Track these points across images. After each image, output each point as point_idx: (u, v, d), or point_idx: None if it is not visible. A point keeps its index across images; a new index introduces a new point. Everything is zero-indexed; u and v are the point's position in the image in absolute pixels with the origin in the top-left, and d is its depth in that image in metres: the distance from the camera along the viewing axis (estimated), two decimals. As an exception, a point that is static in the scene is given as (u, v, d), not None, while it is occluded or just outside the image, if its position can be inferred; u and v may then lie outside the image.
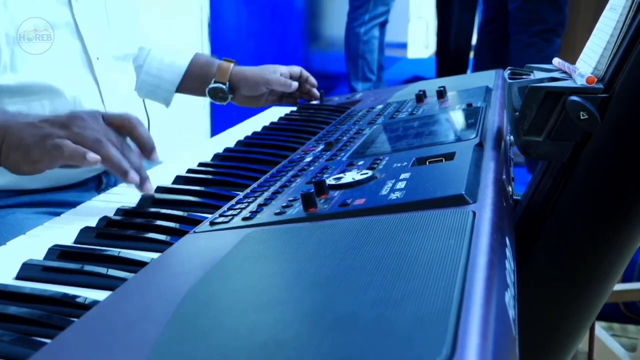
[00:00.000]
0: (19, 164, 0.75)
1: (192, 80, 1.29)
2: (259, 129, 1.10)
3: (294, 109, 1.29)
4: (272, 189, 0.68)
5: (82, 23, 0.96)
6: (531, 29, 2.57)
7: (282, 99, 1.33)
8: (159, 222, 0.67)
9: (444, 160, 0.64)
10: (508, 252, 0.46)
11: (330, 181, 0.62)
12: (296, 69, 1.30)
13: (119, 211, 0.71)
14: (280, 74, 1.26)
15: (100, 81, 0.99)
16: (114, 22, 1.03)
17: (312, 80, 1.33)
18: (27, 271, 0.56)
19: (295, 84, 1.28)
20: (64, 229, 0.67)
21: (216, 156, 0.93)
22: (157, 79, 1.27)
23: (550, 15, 2.56)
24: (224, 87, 1.26)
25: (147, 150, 0.77)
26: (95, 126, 0.73)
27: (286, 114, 1.23)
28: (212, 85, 1.26)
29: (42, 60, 0.91)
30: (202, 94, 1.29)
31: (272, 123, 1.15)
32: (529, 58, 2.22)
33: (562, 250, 0.64)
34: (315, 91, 1.34)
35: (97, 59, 0.98)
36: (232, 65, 1.27)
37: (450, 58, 3.91)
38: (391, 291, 0.36)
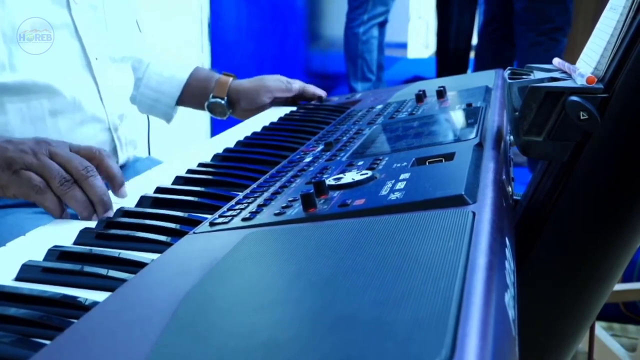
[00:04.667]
0: None
1: (192, 95, 1.28)
2: (258, 129, 1.10)
3: (294, 108, 1.29)
4: (271, 190, 0.67)
5: (80, 25, 0.96)
6: (539, 28, 2.56)
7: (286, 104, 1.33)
8: (158, 223, 0.67)
9: (443, 161, 0.64)
10: (508, 253, 0.46)
11: (329, 181, 0.61)
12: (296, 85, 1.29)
13: (119, 212, 0.71)
14: (279, 81, 1.27)
15: (99, 81, 0.99)
16: (111, 25, 1.03)
17: (312, 90, 1.32)
18: (27, 272, 0.56)
19: (296, 86, 1.28)
20: (63, 230, 0.67)
21: (216, 156, 0.93)
22: (157, 92, 1.27)
23: (556, 14, 2.56)
24: (222, 102, 1.25)
25: (116, 184, 0.75)
26: (61, 153, 0.71)
27: (286, 114, 1.23)
28: (210, 100, 1.26)
29: (41, 60, 0.91)
30: (203, 108, 1.29)
31: (272, 123, 1.15)
32: (536, 57, 2.22)
33: (562, 250, 0.63)
34: (320, 91, 1.33)
35: (96, 59, 0.98)
36: (230, 79, 1.27)
37: (450, 58, 3.92)
38: (390, 292, 0.36)
